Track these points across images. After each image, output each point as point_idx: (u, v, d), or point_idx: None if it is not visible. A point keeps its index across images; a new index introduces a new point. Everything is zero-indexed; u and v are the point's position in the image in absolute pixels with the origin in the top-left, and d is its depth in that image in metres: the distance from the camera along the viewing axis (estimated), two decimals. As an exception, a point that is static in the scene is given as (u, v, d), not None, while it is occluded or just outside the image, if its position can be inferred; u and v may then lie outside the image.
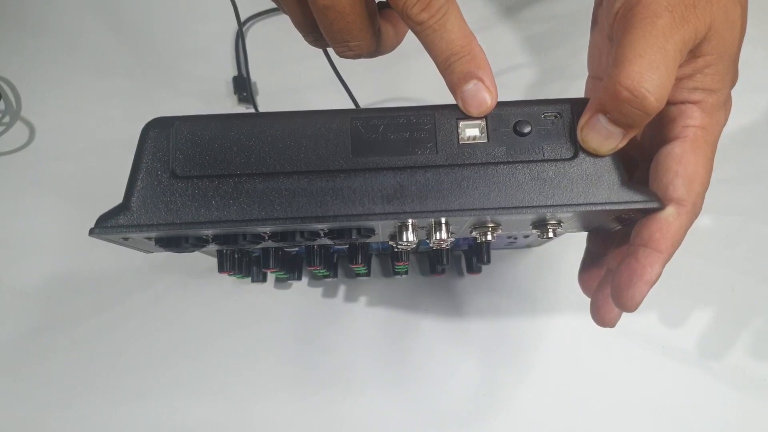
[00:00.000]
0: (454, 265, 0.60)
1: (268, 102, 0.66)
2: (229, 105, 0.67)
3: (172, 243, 0.35)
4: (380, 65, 0.67)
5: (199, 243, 0.36)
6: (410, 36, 0.68)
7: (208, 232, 0.34)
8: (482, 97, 0.34)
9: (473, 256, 0.55)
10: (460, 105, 0.34)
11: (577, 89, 0.45)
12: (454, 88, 0.34)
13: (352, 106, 0.35)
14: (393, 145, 0.34)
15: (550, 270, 0.59)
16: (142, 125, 0.35)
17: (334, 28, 0.35)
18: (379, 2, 0.37)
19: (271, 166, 0.34)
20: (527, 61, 0.68)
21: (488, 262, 0.53)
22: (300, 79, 0.66)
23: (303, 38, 0.39)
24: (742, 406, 0.54)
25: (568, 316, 0.57)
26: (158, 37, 0.70)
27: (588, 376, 0.55)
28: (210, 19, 0.71)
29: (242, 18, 0.69)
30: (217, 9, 0.71)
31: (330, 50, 0.40)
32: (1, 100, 0.66)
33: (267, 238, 0.37)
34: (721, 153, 0.36)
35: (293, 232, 0.36)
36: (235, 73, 0.68)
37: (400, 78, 0.67)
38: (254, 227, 0.34)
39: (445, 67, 0.34)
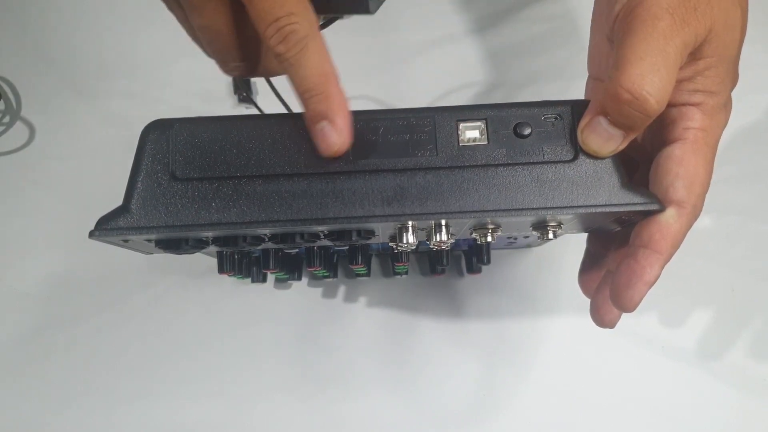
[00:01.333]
0: (454, 265, 0.59)
1: (268, 102, 0.66)
2: (229, 105, 0.67)
3: (172, 245, 0.35)
4: (380, 67, 0.67)
5: (199, 245, 0.36)
6: (409, 39, 0.68)
7: (208, 234, 0.34)
8: (331, 139, 0.32)
9: (473, 256, 0.55)
10: (312, 139, 0.33)
11: (577, 89, 0.45)
12: (307, 123, 0.33)
13: (353, 108, 0.35)
14: (393, 146, 0.34)
15: (550, 270, 0.59)
16: (142, 126, 0.35)
17: (213, 48, 0.35)
18: None
19: (271, 168, 0.34)
20: (527, 61, 0.67)
21: (488, 262, 0.53)
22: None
23: (203, 51, 0.39)
24: (742, 406, 0.54)
25: (568, 316, 0.57)
26: (158, 36, 0.70)
27: (588, 376, 0.55)
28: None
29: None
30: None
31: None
32: (1, 100, 0.66)
33: (267, 239, 0.37)
34: (721, 153, 0.36)
35: (293, 234, 0.36)
36: (235, 73, 0.67)
37: (400, 80, 0.67)
38: (254, 229, 0.34)
39: (301, 101, 0.33)
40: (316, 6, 0.32)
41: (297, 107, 0.33)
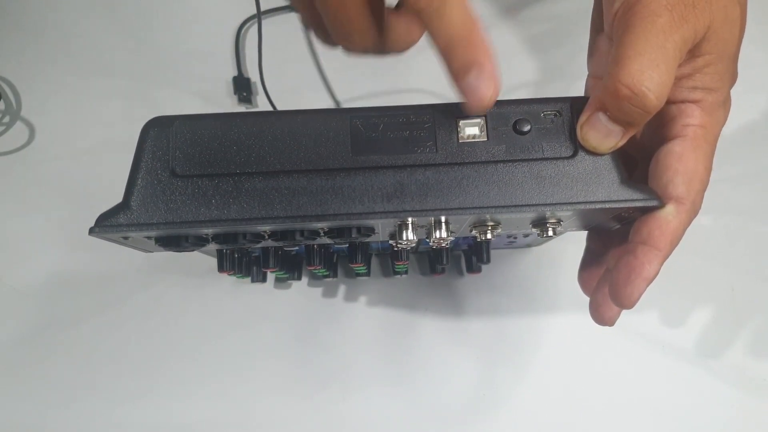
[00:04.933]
0: (453, 265, 0.60)
1: (268, 102, 0.66)
2: (229, 105, 0.67)
3: (172, 242, 0.35)
4: (380, 64, 0.67)
5: (199, 242, 0.36)
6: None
7: (208, 231, 0.34)
8: (484, 88, 0.31)
9: (473, 255, 0.55)
10: (461, 96, 0.32)
11: (577, 89, 0.45)
12: (454, 77, 0.32)
13: (352, 105, 0.35)
14: (393, 143, 0.34)
15: (550, 269, 0.59)
16: (142, 125, 0.35)
17: (337, 20, 0.33)
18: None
19: (271, 165, 0.34)
20: (527, 61, 0.68)
21: (488, 261, 0.53)
22: (300, 78, 0.66)
23: (315, 36, 0.37)
24: (742, 406, 0.54)
25: (568, 315, 0.57)
26: (158, 36, 0.70)
27: (588, 375, 0.55)
28: (210, 19, 0.71)
29: (241, 18, 0.69)
30: (217, 9, 0.71)
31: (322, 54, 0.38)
32: (1, 100, 0.66)
33: (267, 237, 0.37)
34: (721, 152, 0.36)
35: (293, 231, 0.36)
36: (235, 73, 0.68)
37: (400, 77, 0.67)
38: (254, 226, 0.34)
39: (445, 55, 0.31)
40: None
41: (297, 106, 0.33)
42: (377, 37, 0.34)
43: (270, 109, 0.64)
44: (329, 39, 0.36)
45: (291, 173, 0.34)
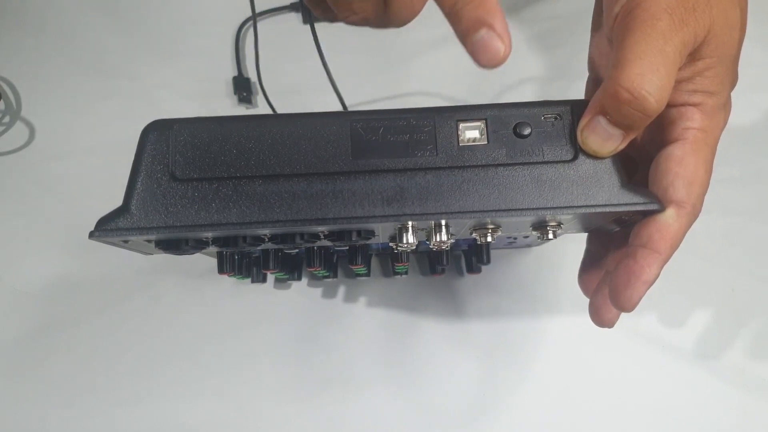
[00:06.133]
0: (453, 265, 0.60)
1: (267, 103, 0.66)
2: (228, 105, 0.67)
3: (172, 245, 0.35)
4: (380, 66, 0.67)
5: (199, 245, 0.36)
6: (409, 38, 0.68)
7: (208, 234, 0.34)
8: (494, 46, 0.30)
9: (473, 256, 0.55)
10: (471, 56, 0.31)
11: (577, 89, 0.45)
12: (463, 37, 0.31)
13: (353, 108, 0.35)
14: (393, 147, 0.34)
15: (550, 270, 0.59)
16: (142, 125, 0.35)
17: None
18: None
19: (271, 169, 0.34)
20: (527, 61, 0.68)
21: (488, 262, 0.53)
22: (300, 78, 0.66)
23: (313, 9, 0.36)
24: (742, 406, 0.54)
25: (569, 315, 0.57)
26: (158, 36, 0.70)
27: (588, 375, 0.55)
28: (210, 19, 0.71)
29: (241, 18, 0.69)
30: (217, 9, 0.71)
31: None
32: (1, 100, 0.66)
33: (267, 240, 0.37)
34: (721, 153, 0.36)
35: (293, 235, 0.36)
36: (235, 73, 0.68)
37: (400, 80, 0.67)
38: (254, 230, 0.34)
39: (452, 15, 0.31)
40: None
41: (297, 107, 0.33)
42: (379, 5, 0.33)
43: (269, 111, 0.64)
44: (329, 11, 0.35)
45: (291, 177, 0.34)
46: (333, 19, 0.36)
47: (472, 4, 0.30)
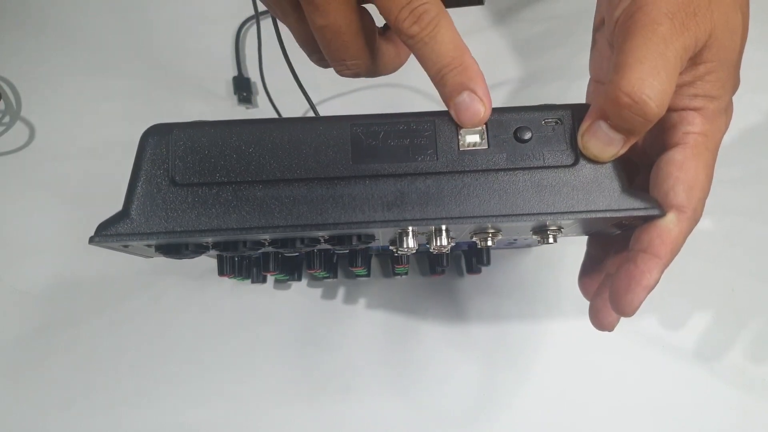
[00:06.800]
0: (454, 266, 0.60)
1: (268, 102, 0.66)
2: (228, 105, 0.67)
3: (172, 250, 0.35)
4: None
5: (199, 250, 0.36)
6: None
7: (208, 239, 0.34)
8: (475, 108, 0.33)
9: (473, 256, 0.55)
10: (454, 117, 0.34)
11: (577, 90, 0.45)
12: (447, 100, 0.34)
13: (353, 112, 0.35)
14: (393, 151, 0.34)
15: (550, 271, 0.59)
16: (142, 126, 0.35)
17: (332, 47, 0.35)
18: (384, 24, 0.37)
19: (271, 173, 0.34)
20: (527, 62, 0.67)
21: (488, 263, 0.53)
22: (301, 78, 0.66)
23: (309, 58, 0.39)
24: (742, 406, 0.54)
25: (569, 316, 0.57)
26: (158, 36, 0.70)
27: (588, 376, 0.55)
28: (210, 19, 0.71)
29: (241, 18, 0.69)
30: (217, 9, 0.71)
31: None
32: (1, 100, 0.66)
33: (267, 244, 0.37)
34: (722, 153, 0.36)
35: (293, 239, 0.36)
36: (235, 73, 0.68)
37: (401, 83, 0.67)
38: (254, 235, 0.34)
39: (437, 79, 0.33)
40: None
41: (296, 107, 0.33)
42: (369, 61, 0.37)
43: (273, 111, 0.64)
44: (323, 61, 0.38)
45: (291, 182, 0.34)
46: (326, 66, 0.39)
47: (456, 70, 0.33)
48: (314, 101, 0.55)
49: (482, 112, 0.33)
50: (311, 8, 0.33)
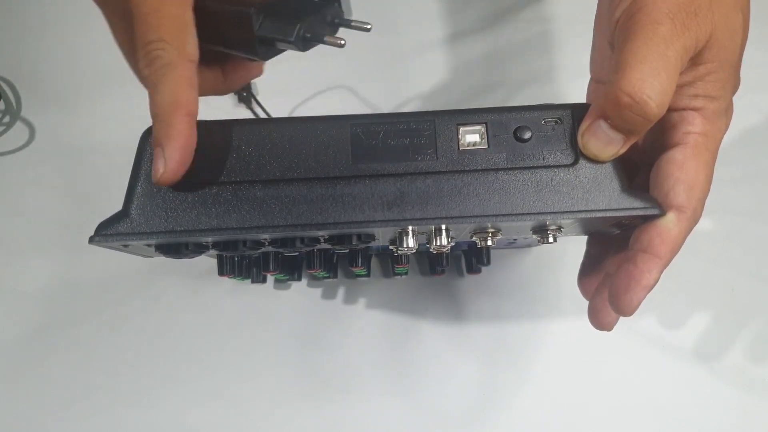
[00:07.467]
0: (454, 266, 0.59)
1: (268, 102, 0.66)
2: (228, 105, 0.67)
3: (172, 249, 0.35)
4: (379, 69, 0.67)
5: (199, 249, 0.36)
6: (408, 40, 0.68)
7: (208, 239, 0.34)
8: (156, 166, 0.31)
9: (473, 256, 0.55)
10: None
11: (577, 89, 0.45)
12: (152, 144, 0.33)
13: (353, 112, 0.35)
14: (393, 151, 0.34)
15: (550, 271, 0.59)
16: (142, 126, 0.35)
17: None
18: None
19: (271, 173, 0.34)
20: (527, 61, 0.67)
21: (488, 263, 0.53)
22: (300, 79, 0.66)
23: None
24: (742, 406, 0.54)
25: (569, 316, 0.57)
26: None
27: (588, 376, 0.55)
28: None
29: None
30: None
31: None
32: (1, 100, 0.66)
33: (267, 244, 0.37)
34: (722, 153, 0.36)
35: (293, 239, 0.36)
36: (235, 73, 0.67)
37: (399, 82, 0.67)
38: (254, 234, 0.34)
39: (152, 122, 0.32)
40: (212, 38, 0.33)
41: (296, 107, 0.33)
42: None
43: (272, 111, 0.64)
44: None
45: (291, 181, 0.34)
46: None
47: (161, 123, 0.31)
48: (313, 97, 0.55)
49: (158, 172, 0.31)
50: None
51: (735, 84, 0.36)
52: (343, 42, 0.34)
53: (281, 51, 0.36)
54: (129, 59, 0.36)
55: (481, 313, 0.58)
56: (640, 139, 0.36)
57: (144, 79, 0.32)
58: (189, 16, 0.32)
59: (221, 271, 0.47)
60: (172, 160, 0.31)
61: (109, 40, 0.39)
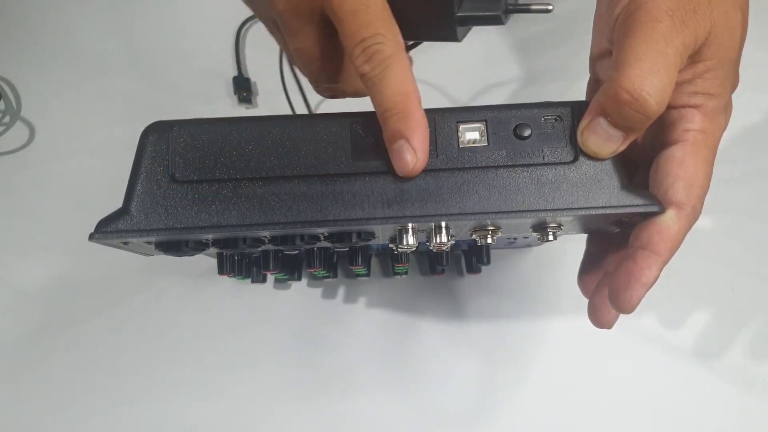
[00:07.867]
0: (454, 265, 0.60)
1: (268, 102, 0.66)
2: (229, 105, 0.67)
3: (172, 247, 0.35)
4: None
5: (199, 247, 0.36)
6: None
7: (209, 236, 0.34)
8: (405, 159, 0.32)
9: (473, 256, 0.55)
10: (390, 157, 0.33)
11: (577, 89, 0.45)
12: (385, 141, 0.33)
13: (353, 110, 0.35)
14: None
15: (550, 270, 0.59)
16: (142, 125, 0.35)
17: (306, 70, 0.37)
18: None
19: (271, 170, 0.34)
20: (527, 62, 0.67)
21: (488, 262, 0.53)
22: (300, 78, 0.66)
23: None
24: (742, 406, 0.54)
25: (569, 316, 0.57)
26: (158, 36, 0.70)
27: (588, 376, 0.55)
28: (210, 19, 0.71)
29: (241, 18, 0.69)
30: (217, 9, 0.71)
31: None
32: (1, 100, 0.66)
33: (267, 241, 0.37)
34: (722, 152, 0.36)
35: (293, 236, 0.36)
36: (235, 73, 0.68)
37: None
38: (254, 232, 0.34)
39: (381, 121, 0.33)
40: (403, 32, 0.33)
41: (296, 107, 0.34)
42: (344, 86, 0.39)
43: (273, 111, 0.64)
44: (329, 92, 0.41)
45: (291, 178, 0.34)
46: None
47: (397, 116, 0.32)
48: (313, 97, 0.55)
49: (411, 163, 0.32)
50: (286, 32, 0.35)
51: (734, 81, 0.36)
52: (551, 7, 0.35)
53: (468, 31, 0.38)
54: (310, 65, 0.37)
55: (481, 313, 0.58)
56: (639, 137, 0.36)
57: (363, 76, 0.32)
58: (389, 9, 0.33)
59: (221, 270, 0.47)
60: (421, 150, 0.32)
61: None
